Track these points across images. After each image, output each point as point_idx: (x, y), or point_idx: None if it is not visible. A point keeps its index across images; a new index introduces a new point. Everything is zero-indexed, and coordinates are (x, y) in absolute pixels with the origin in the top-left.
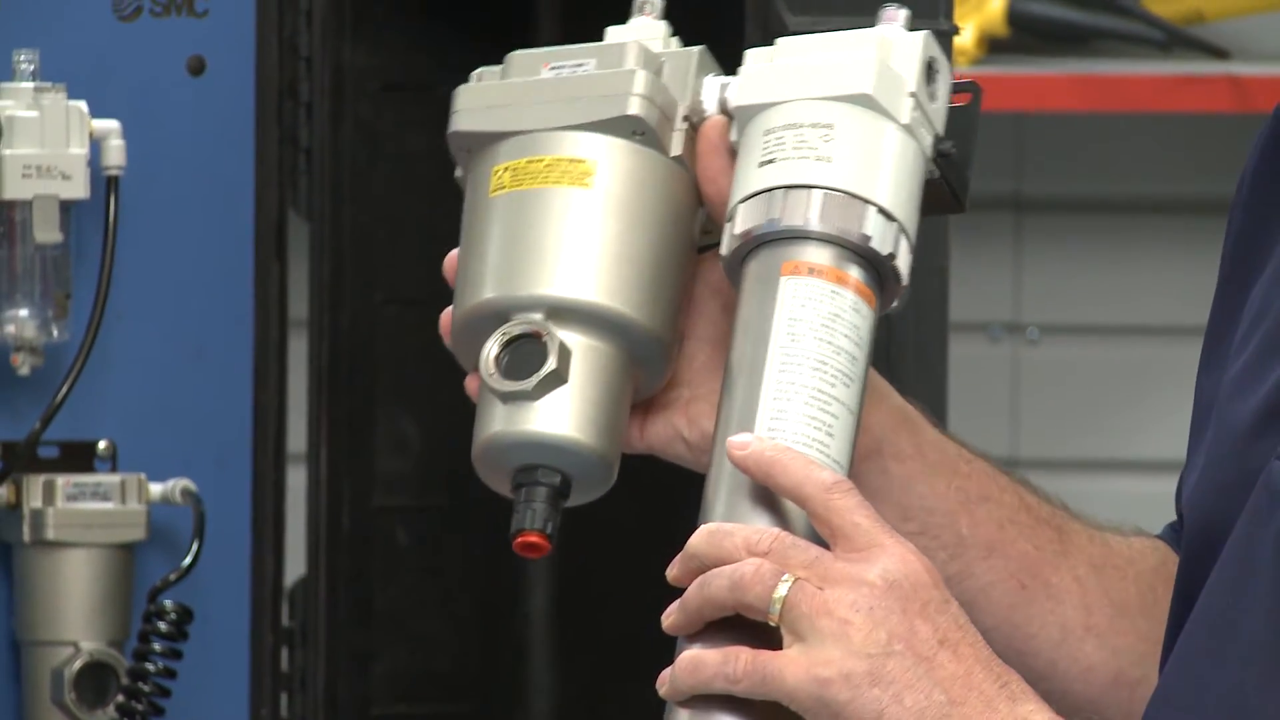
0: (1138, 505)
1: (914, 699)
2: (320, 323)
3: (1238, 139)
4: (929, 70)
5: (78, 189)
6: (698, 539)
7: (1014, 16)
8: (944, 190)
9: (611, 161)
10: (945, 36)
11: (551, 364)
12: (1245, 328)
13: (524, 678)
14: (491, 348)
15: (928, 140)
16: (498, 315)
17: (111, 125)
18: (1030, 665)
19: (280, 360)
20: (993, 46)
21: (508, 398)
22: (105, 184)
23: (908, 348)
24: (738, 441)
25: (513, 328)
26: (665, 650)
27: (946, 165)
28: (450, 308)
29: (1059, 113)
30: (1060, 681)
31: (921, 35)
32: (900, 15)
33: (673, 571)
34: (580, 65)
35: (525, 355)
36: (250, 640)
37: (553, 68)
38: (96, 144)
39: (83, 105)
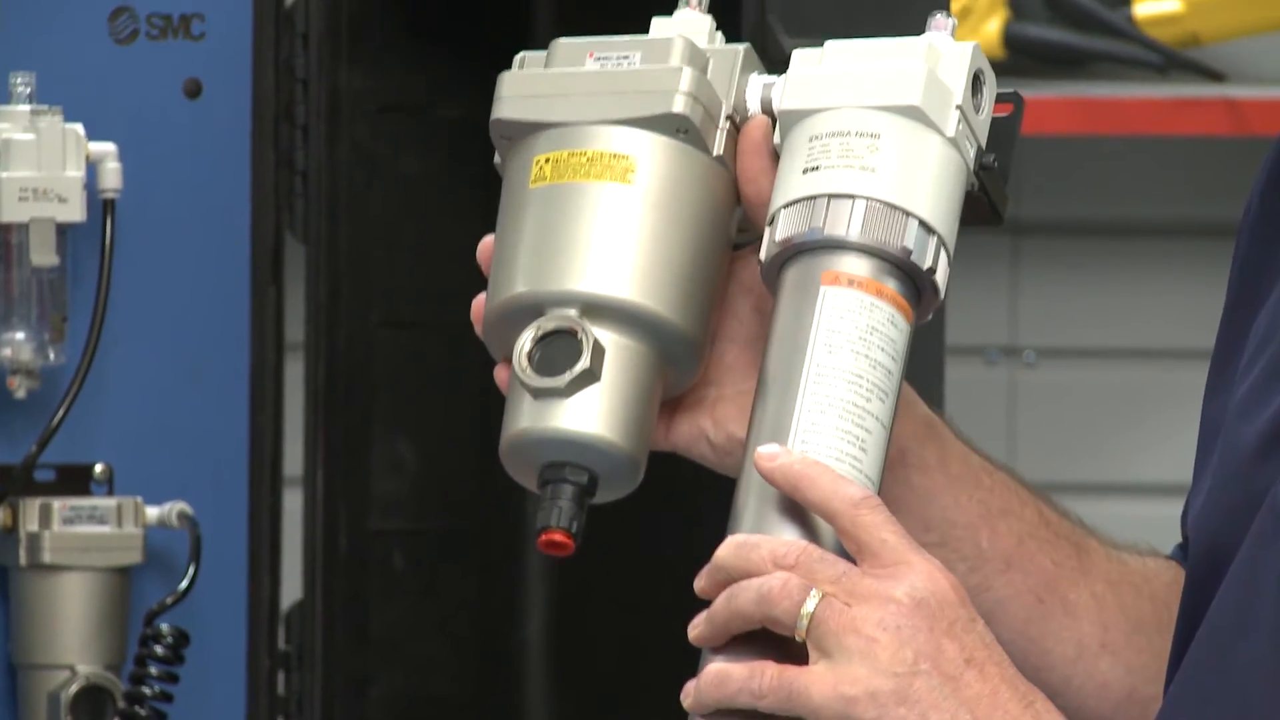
0: (1135, 528)
1: (940, 719)
2: (316, 345)
3: (1235, 162)
4: (975, 82)
5: (74, 212)
6: (725, 551)
7: (1011, 39)
8: (983, 202)
9: (654, 159)
10: None
11: (585, 362)
12: (1251, 352)
13: (520, 702)
14: (525, 342)
15: (971, 153)
16: (532, 309)
17: (108, 148)
18: (1045, 680)
19: (276, 383)
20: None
21: (539, 393)
22: (102, 207)
23: (905, 370)
24: (766, 453)
25: (547, 323)
26: (662, 675)
27: (987, 177)
28: (482, 295)
29: (1056, 135)
30: (1075, 698)
31: (970, 46)
32: (949, 24)
33: (700, 583)
34: (626, 58)
35: (559, 351)
36: (247, 664)
37: (598, 58)
38: (93, 167)
39: (79, 128)
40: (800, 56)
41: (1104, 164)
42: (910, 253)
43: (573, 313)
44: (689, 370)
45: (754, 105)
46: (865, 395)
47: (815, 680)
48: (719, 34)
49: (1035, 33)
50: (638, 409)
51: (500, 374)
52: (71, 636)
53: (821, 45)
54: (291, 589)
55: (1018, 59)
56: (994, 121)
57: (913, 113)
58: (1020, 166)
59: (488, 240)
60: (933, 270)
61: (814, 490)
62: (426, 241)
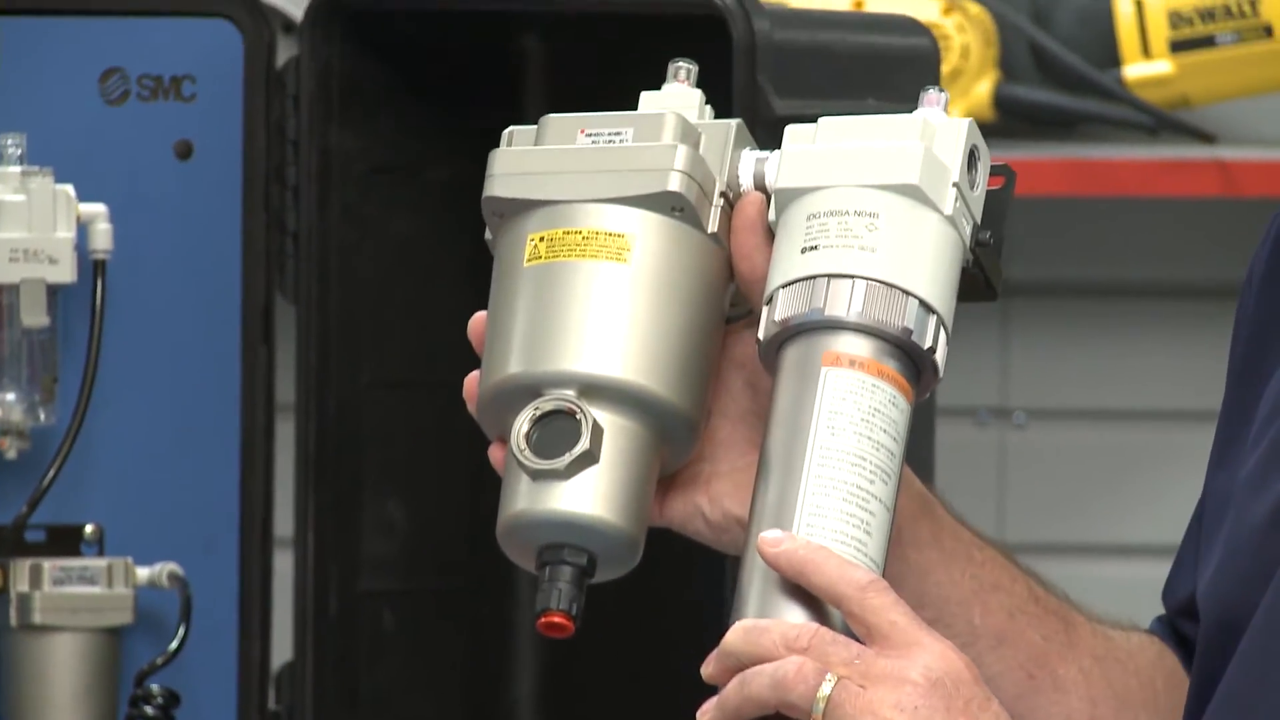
0: (1124, 590)
1: None
2: (307, 406)
3: (1226, 223)
4: (970, 158)
5: (65, 273)
6: (734, 636)
7: (1001, 101)
8: (979, 279)
9: (650, 237)
10: None
11: (585, 443)
12: (1260, 424)
13: None
14: (522, 423)
15: (967, 230)
16: (529, 389)
17: (99, 209)
18: None
19: (267, 444)
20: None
21: (539, 475)
22: (92, 268)
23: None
24: (770, 539)
25: (544, 403)
26: None
27: (983, 254)
28: (475, 373)
29: (1046, 197)
30: None
31: (966, 123)
32: (941, 99)
33: (708, 669)
34: (618, 134)
35: (557, 432)
36: None
37: (589, 134)
38: (84, 228)
39: (70, 189)
40: (793, 132)
41: (1094, 225)
42: (911, 333)
43: (570, 393)
44: (686, 448)
45: (747, 181)
46: (869, 478)
47: None
48: (708, 108)
49: (1025, 94)
50: (636, 489)
51: (495, 454)
52: (62, 697)
53: (815, 120)
54: (282, 650)
55: (1008, 121)
56: (987, 195)
57: (911, 191)
58: (1010, 227)
59: (479, 317)
60: (933, 350)
61: (820, 575)
62: (417, 302)
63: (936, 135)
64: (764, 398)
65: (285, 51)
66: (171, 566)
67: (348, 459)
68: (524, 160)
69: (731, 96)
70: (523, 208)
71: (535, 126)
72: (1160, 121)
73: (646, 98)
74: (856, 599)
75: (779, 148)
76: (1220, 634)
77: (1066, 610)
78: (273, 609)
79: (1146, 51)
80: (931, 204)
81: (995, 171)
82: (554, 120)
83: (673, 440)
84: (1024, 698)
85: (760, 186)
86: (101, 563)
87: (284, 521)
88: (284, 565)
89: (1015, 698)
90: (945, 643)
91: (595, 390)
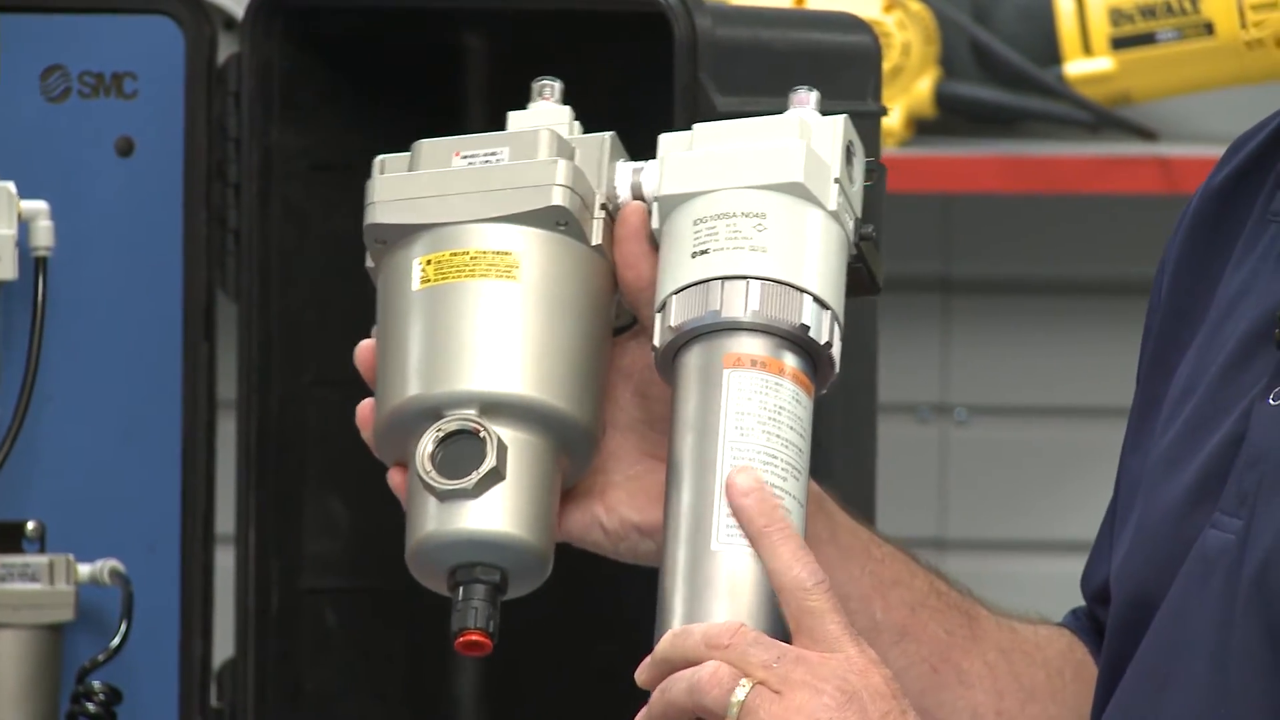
0: (1065, 586)
1: None
2: (249, 404)
3: (1166, 220)
4: (848, 153)
5: (6, 270)
6: (664, 643)
7: (942, 98)
8: (863, 273)
9: (536, 253)
10: (873, 117)
11: (491, 461)
12: (1171, 407)
13: None
14: (426, 445)
15: (850, 225)
16: (429, 411)
17: (40, 206)
18: None
19: (209, 440)
20: (920, 128)
21: (446, 495)
22: (34, 265)
23: (836, 429)
24: (743, 486)
25: (447, 424)
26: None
27: (866, 248)
28: (369, 400)
29: (987, 194)
30: None
31: (841, 119)
32: (811, 98)
33: (642, 676)
34: (494, 154)
35: (462, 452)
36: None
37: (465, 156)
38: (25, 225)
39: (11, 186)
40: (668, 141)
41: (1036, 222)
42: (808, 329)
43: (472, 412)
44: (586, 459)
45: (624, 192)
46: (781, 475)
47: None
48: (577, 124)
49: (966, 91)
50: (543, 503)
51: (394, 479)
52: (3, 693)
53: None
54: (224, 647)
55: (949, 117)
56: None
57: (796, 189)
58: (951, 224)
59: (366, 345)
60: (830, 344)
61: (774, 557)
62: (359, 300)
63: (814, 133)
64: (653, 405)
65: (226, 49)
66: (113, 563)
67: (290, 457)
68: (404, 185)
69: (673, 94)
70: (407, 233)
71: (408, 154)
72: (1101, 118)
73: (514, 117)
74: (798, 596)
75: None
76: (1132, 613)
77: (970, 604)
78: (214, 606)
79: (1087, 48)
80: (816, 201)
81: (867, 167)
82: (427, 145)
83: (574, 452)
84: (928, 692)
85: (638, 196)
86: (43, 559)
87: (225, 519)
88: (225, 562)
89: (920, 692)
90: (870, 655)
91: (496, 408)
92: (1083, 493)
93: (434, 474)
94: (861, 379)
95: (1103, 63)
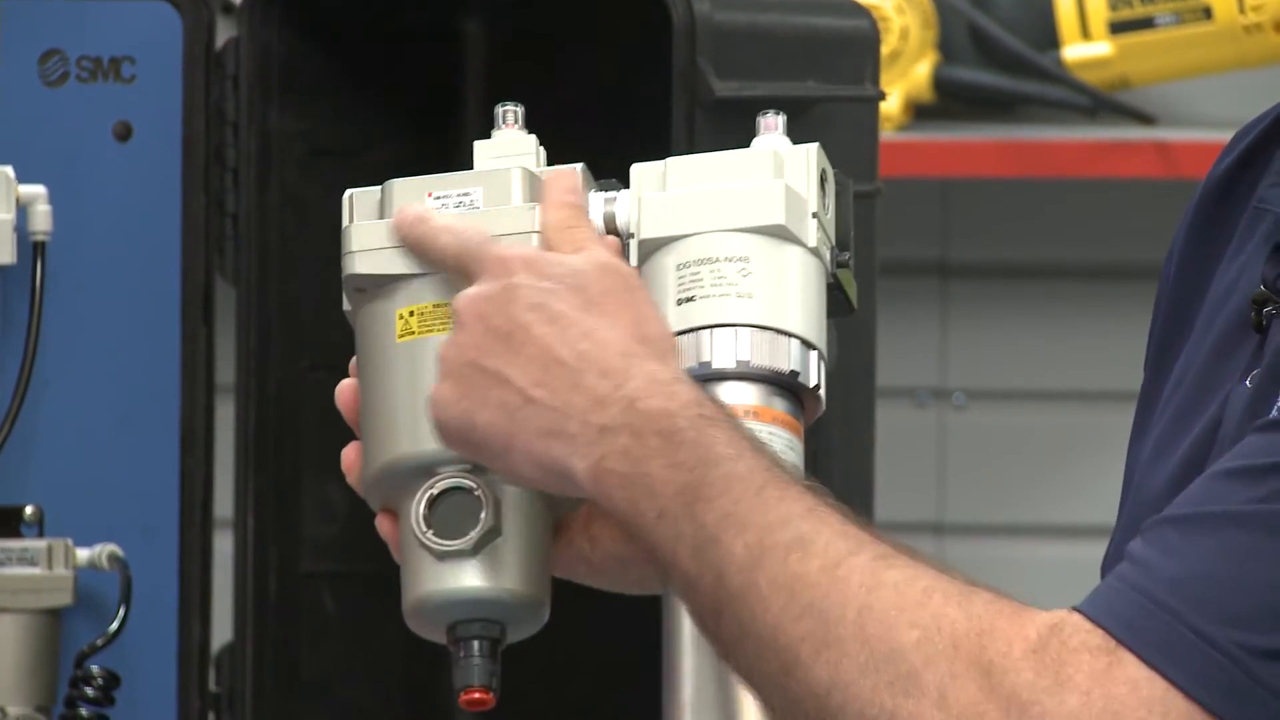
0: (1064, 571)
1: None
2: (247, 388)
3: (1164, 204)
4: (821, 182)
5: (4, 254)
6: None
7: (940, 82)
8: (839, 297)
9: None
10: (871, 102)
11: (489, 520)
12: (1165, 398)
13: None
14: (420, 505)
15: (827, 255)
16: (421, 469)
17: (38, 190)
18: None
19: (207, 425)
20: (919, 112)
21: (445, 556)
22: (32, 249)
23: (834, 413)
24: (405, 218)
25: (440, 482)
26: (591, 714)
27: (842, 274)
28: (354, 445)
29: (985, 179)
30: None
31: (814, 149)
32: (779, 122)
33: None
34: (467, 195)
35: (456, 510)
36: (177, 705)
37: (437, 197)
38: (23, 209)
39: (9, 170)
40: (641, 173)
41: (1033, 207)
42: (797, 375)
43: (464, 469)
44: (575, 500)
45: (597, 224)
46: None
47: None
48: (542, 150)
49: (965, 76)
50: (539, 554)
51: (384, 526)
52: (2, 678)
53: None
54: (222, 631)
55: (947, 102)
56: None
57: (778, 231)
58: (950, 209)
59: (348, 386)
60: (818, 386)
61: (435, 243)
62: None
63: (786, 165)
64: None
65: (224, 33)
66: (111, 548)
67: (288, 442)
68: (381, 234)
69: (671, 79)
70: (386, 282)
71: (378, 190)
72: (1099, 103)
73: (481, 148)
74: (484, 244)
75: (643, 173)
76: None
77: None
78: (213, 591)
79: (1086, 33)
80: (797, 240)
81: (836, 186)
82: (398, 185)
83: (563, 497)
84: None
85: (611, 228)
86: (41, 544)
87: (224, 503)
88: (224, 547)
89: None
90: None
91: None
92: (1080, 477)
93: (431, 535)
94: (860, 363)
95: (1101, 47)
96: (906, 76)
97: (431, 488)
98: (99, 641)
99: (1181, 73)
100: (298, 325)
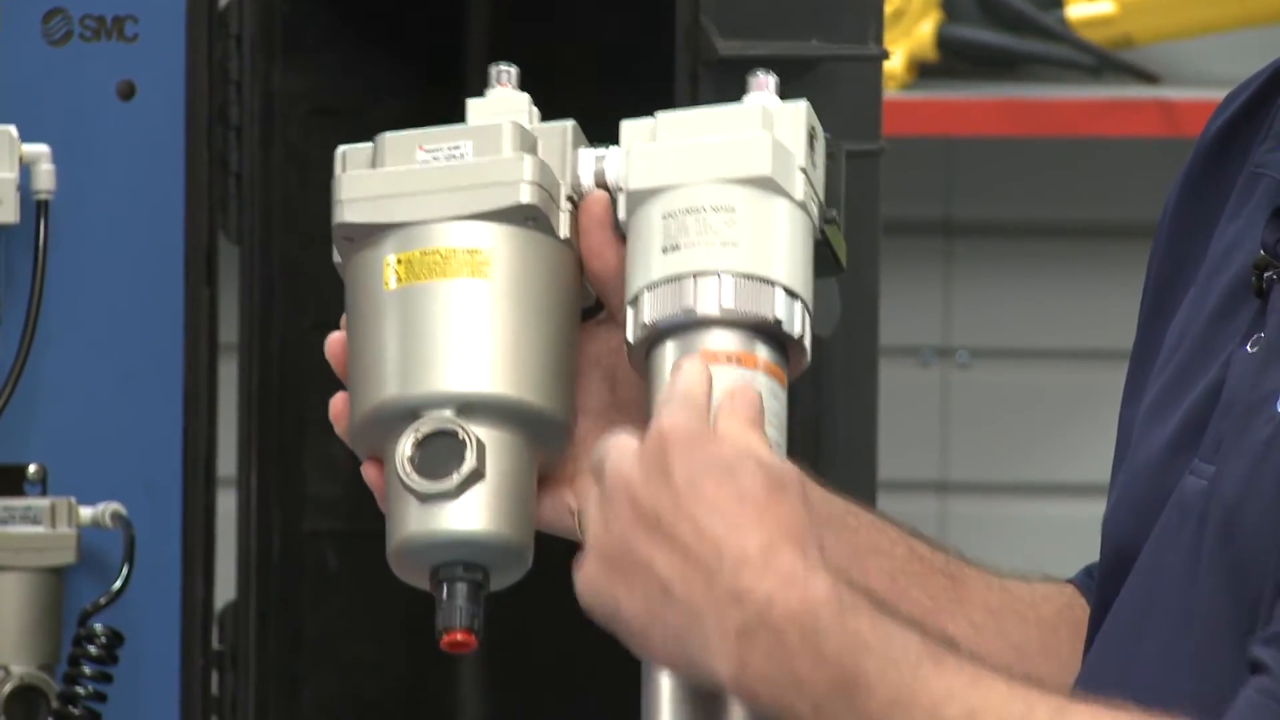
0: (1067, 529)
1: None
2: (250, 347)
3: (1168, 163)
4: (810, 139)
5: (8, 213)
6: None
7: (943, 41)
8: (827, 254)
9: (508, 250)
10: (875, 61)
11: (471, 462)
12: (1163, 358)
13: (454, 704)
14: (405, 447)
15: (815, 211)
16: (406, 413)
17: (41, 149)
18: None
19: (210, 385)
20: (922, 71)
21: (428, 498)
22: (35, 208)
23: (838, 372)
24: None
25: (425, 425)
26: (593, 676)
27: (830, 230)
28: (342, 394)
29: (988, 137)
30: None
31: (803, 106)
32: (770, 82)
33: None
34: (457, 149)
35: (440, 453)
36: (180, 664)
37: (428, 150)
38: (26, 168)
39: (12, 129)
40: (631, 129)
41: (1037, 165)
42: (781, 323)
43: (449, 413)
44: (560, 450)
45: (588, 180)
46: None
47: None
48: (535, 110)
49: (968, 35)
50: (522, 499)
51: (369, 473)
52: (5, 636)
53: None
54: (225, 589)
55: (951, 60)
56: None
57: (764, 182)
58: (953, 167)
59: (337, 338)
60: (802, 336)
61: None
62: None
63: (776, 120)
64: (621, 389)
65: None
66: (115, 506)
67: (291, 400)
68: (371, 184)
69: (674, 37)
70: (375, 231)
71: (370, 145)
72: (1103, 61)
73: (474, 105)
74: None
75: (640, 131)
76: (1117, 560)
77: (956, 567)
78: (216, 549)
79: None
80: (783, 192)
81: (827, 147)
82: (390, 140)
83: (549, 445)
84: None
85: (602, 184)
86: (44, 502)
87: (227, 462)
88: (227, 505)
89: None
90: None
91: (473, 407)
92: (1084, 435)
93: (414, 476)
94: (863, 322)
95: (1104, 6)
96: (910, 35)
97: (416, 431)
98: (102, 600)
99: (1185, 31)
100: (301, 284)
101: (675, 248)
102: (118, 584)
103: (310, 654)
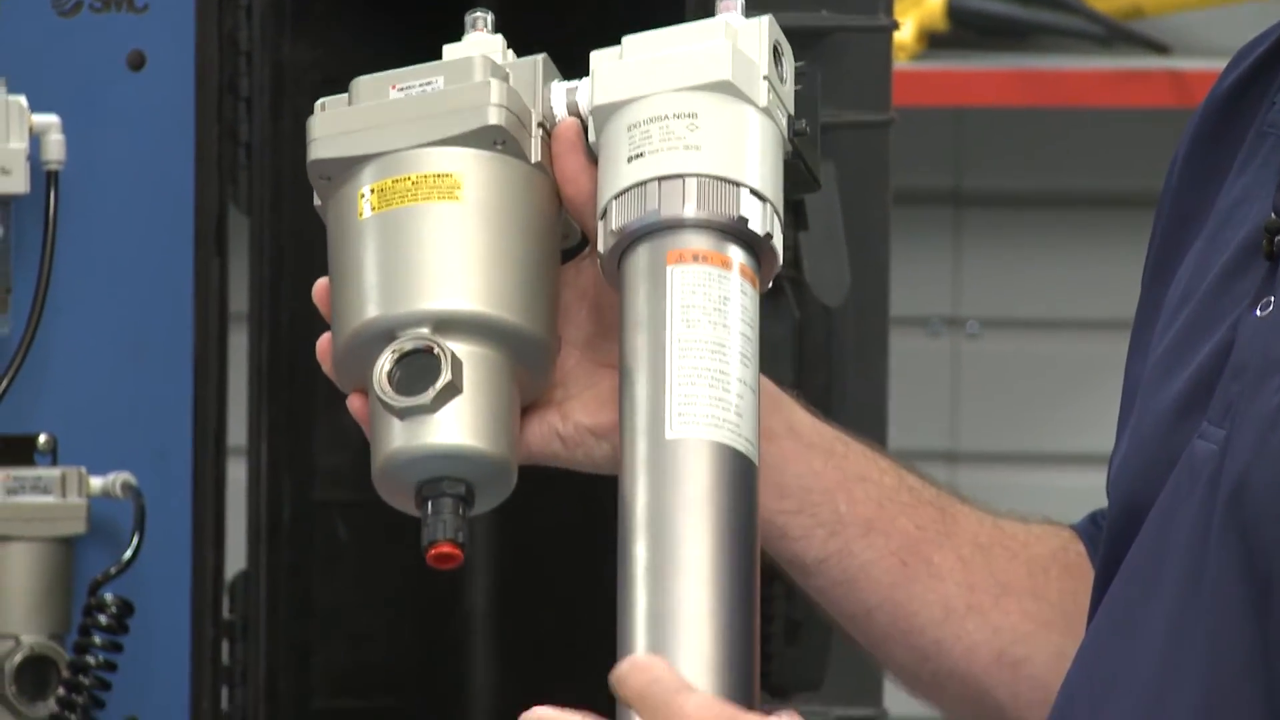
0: (1077, 499)
1: None
2: (260, 317)
3: (1178, 133)
4: (776, 54)
5: (18, 184)
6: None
7: (953, 11)
8: (801, 169)
9: (478, 173)
10: (885, 32)
11: (446, 375)
12: (1169, 314)
13: (464, 672)
14: (383, 365)
15: (783, 121)
16: (384, 334)
17: (51, 120)
18: (915, 644)
19: (220, 354)
20: (932, 41)
21: (406, 413)
22: (45, 179)
23: (848, 342)
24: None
25: (403, 344)
26: (604, 645)
27: (802, 144)
28: (326, 334)
29: (998, 107)
30: (945, 660)
31: (766, 19)
32: (737, 3)
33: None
34: (429, 83)
35: (418, 369)
36: (191, 633)
37: (401, 88)
38: (36, 139)
39: (22, 100)
40: (599, 56)
41: (1047, 136)
42: (746, 221)
43: (425, 331)
44: (543, 374)
45: (560, 110)
46: (731, 362)
47: None
48: (510, 51)
49: (978, 4)
50: (502, 415)
51: (354, 404)
52: (15, 606)
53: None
54: (235, 559)
55: (961, 30)
56: (795, 96)
57: (725, 87)
58: (963, 138)
59: (323, 282)
60: (770, 235)
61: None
62: None
63: (739, 35)
64: (606, 317)
65: None
66: (125, 476)
67: (301, 370)
68: (342, 120)
69: (684, 7)
70: (348, 165)
71: (345, 94)
72: (1113, 31)
73: (450, 49)
74: (672, 695)
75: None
76: (1125, 518)
77: (946, 501)
78: (226, 519)
79: None
80: (746, 97)
81: (798, 70)
82: (364, 81)
83: (529, 364)
84: (899, 586)
85: (574, 113)
86: (55, 472)
87: (237, 431)
88: (237, 475)
89: (890, 586)
90: None
91: (448, 324)
92: (1094, 405)
93: (391, 393)
94: (873, 292)
95: None
96: (920, 5)
97: (394, 350)
98: (113, 570)
99: (1195, 2)
100: (311, 254)
101: (640, 155)
102: (128, 554)
103: (321, 623)
